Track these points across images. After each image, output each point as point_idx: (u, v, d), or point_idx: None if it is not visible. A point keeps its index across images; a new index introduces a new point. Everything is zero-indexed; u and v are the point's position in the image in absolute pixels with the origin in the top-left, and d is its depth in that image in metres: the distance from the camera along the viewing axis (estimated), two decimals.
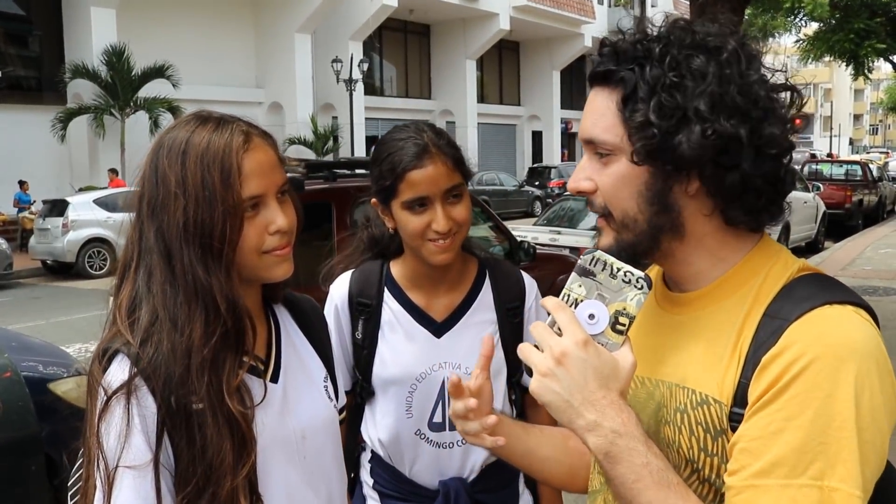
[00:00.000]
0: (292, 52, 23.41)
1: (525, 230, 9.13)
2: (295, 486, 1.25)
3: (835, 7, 11.26)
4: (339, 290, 1.77)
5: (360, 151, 24.45)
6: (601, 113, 1.03)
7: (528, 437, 1.19)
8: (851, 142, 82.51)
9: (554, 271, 6.36)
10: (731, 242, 1.05)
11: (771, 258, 1.04)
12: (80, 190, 16.88)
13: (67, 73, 18.97)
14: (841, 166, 21.28)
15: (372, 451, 1.77)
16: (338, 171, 5.43)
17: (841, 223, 17.27)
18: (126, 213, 1.24)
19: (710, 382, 0.99)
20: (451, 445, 1.70)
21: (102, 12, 19.29)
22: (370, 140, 24.59)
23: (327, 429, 1.33)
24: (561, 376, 0.93)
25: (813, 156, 30.87)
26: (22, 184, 17.86)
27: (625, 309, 0.96)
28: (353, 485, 1.81)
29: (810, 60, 12.82)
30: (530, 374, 0.97)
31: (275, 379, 1.27)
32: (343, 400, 1.48)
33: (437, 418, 1.69)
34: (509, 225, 6.98)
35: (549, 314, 0.97)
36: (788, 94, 1.03)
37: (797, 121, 1.03)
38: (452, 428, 1.68)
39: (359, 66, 24.16)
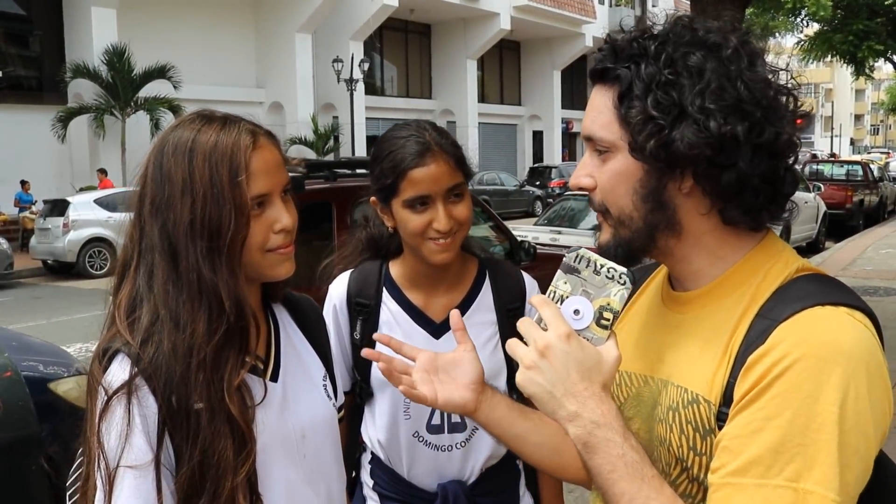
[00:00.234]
0: (293, 52, 23.42)
1: (525, 230, 9.15)
2: (295, 485, 1.25)
3: (836, 7, 11.26)
4: (338, 290, 1.76)
5: (361, 151, 24.44)
6: (599, 110, 1.04)
7: (524, 421, 1.18)
8: (852, 142, 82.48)
9: (554, 271, 6.32)
10: (731, 241, 1.04)
11: (772, 257, 1.03)
12: (81, 190, 16.91)
13: (68, 72, 18.98)
14: (842, 166, 21.30)
15: (372, 453, 1.77)
16: (338, 170, 5.44)
17: (842, 223, 17.26)
18: (126, 212, 1.24)
19: (702, 381, 0.99)
20: (449, 448, 1.68)
21: (103, 12, 19.31)
22: (371, 140, 24.57)
23: (327, 428, 1.33)
24: (544, 368, 0.95)
25: (814, 156, 30.89)
26: (23, 183, 17.87)
27: (609, 304, 0.98)
28: (354, 485, 1.80)
29: (811, 61, 12.82)
30: None
31: (274, 378, 1.26)
32: (342, 399, 1.48)
33: (436, 420, 1.68)
34: (510, 225, 6.98)
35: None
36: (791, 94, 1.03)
37: (799, 121, 1.03)
38: (451, 431, 1.68)
39: (359, 65, 24.17)
